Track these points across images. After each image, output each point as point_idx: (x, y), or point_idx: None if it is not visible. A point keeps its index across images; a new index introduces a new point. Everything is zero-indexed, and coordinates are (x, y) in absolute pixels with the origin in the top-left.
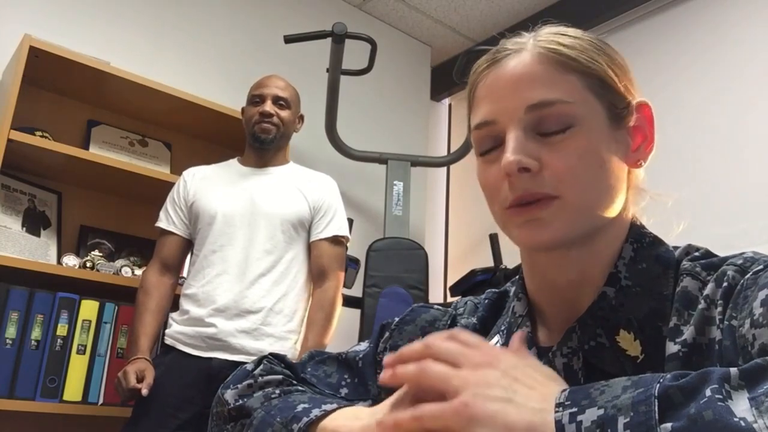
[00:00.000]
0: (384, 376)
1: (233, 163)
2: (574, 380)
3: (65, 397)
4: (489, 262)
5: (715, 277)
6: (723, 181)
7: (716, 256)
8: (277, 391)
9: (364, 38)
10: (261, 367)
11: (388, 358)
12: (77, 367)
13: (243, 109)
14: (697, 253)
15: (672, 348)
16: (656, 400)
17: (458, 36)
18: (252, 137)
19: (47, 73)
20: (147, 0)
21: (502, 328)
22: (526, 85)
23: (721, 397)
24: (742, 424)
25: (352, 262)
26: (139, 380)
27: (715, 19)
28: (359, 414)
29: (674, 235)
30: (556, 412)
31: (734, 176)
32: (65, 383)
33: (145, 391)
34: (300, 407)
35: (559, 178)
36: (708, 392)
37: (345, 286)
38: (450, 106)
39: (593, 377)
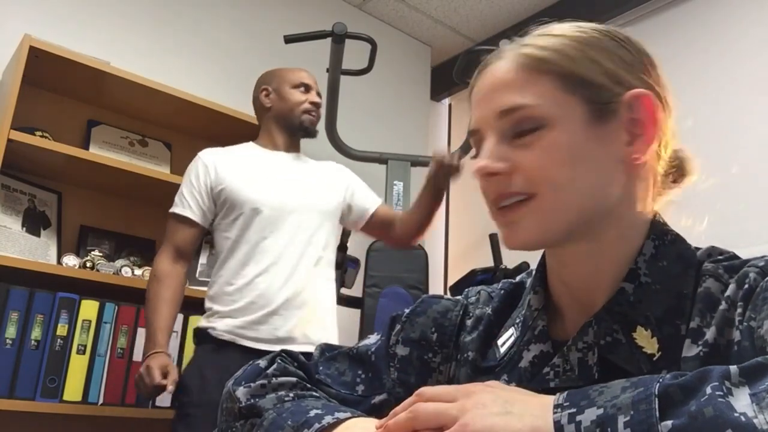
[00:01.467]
0: None
1: (253, 146)
2: (588, 375)
3: (65, 397)
4: (489, 262)
5: (736, 279)
6: (722, 180)
7: (740, 259)
8: (291, 395)
9: (364, 38)
10: (275, 366)
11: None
12: (77, 367)
13: (275, 90)
14: (720, 256)
15: (692, 349)
16: (656, 399)
17: (458, 36)
18: (297, 124)
19: (47, 73)
20: (147, 0)
21: (517, 320)
22: (498, 92)
23: (721, 393)
24: (743, 419)
25: (352, 262)
26: (163, 377)
27: (714, 19)
28: (372, 426)
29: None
30: (554, 413)
31: (734, 176)
32: (65, 383)
33: (170, 388)
34: (312, 413)
35: (530, 177)
36: (708, 390)
37: (345, 286)
38: (450, 106)
39: (608, 373)
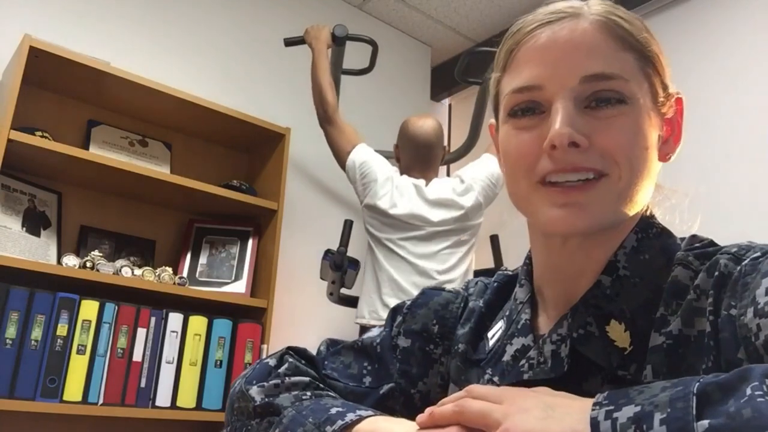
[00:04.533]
0: (421, 418)
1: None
2: (559, 367)
3: (65, 397)
4: (489, 263)
5: (707, 267)
6: (723, 180)
7: (718, 246)
8: (308, 393)
9: (365, 40)
10: (285, 365)
11: (422, 416)
12: (77, 367)
13: None
14: (697, 244)
15: (656, 339)
16: (694, 397)
17: (458, 36)
18: None
19: (47, 73)
20: (147, 0)
21: (507, 313)
22: (584, 54)
23: (761, 393)
24: None
25: (352, 263)
26: None
27: (717, 19)
28: (399, 421)
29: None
30: (593, 410)
31: (735, 176)
32: (65, 383)
33: None
34: (334, 410)
35: (610, 154)
36: (748, 390)
37: (345, 286)
38: (450, 106)
39: (580, 365)
